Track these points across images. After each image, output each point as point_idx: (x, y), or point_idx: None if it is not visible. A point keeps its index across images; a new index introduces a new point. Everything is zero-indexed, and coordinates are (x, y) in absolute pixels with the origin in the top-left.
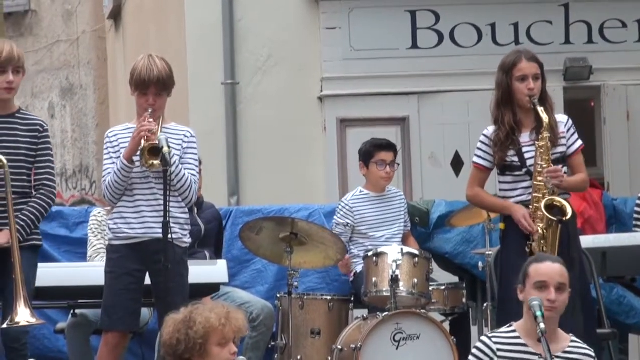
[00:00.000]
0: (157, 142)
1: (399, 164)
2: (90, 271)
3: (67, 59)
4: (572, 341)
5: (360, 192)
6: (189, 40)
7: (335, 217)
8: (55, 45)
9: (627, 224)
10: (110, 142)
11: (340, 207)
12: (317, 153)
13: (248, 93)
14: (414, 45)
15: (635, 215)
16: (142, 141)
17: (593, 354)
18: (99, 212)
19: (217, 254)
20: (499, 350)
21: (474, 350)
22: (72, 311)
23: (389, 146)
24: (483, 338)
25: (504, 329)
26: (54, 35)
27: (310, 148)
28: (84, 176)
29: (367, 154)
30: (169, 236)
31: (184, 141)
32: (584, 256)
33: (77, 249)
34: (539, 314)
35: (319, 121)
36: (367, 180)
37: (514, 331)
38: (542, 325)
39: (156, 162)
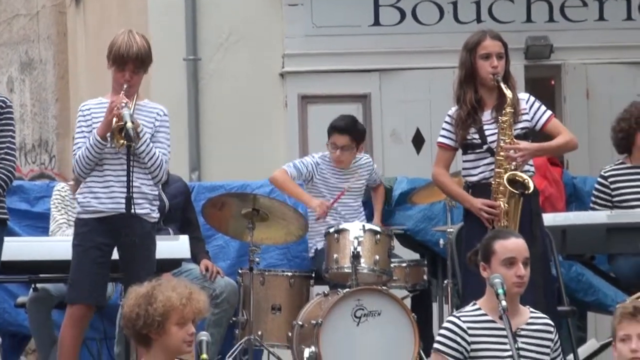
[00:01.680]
0: (123, 123)
1: (356, 148)
2: (51, 245)
3: (27, 33)
4: (531, 312)
5: (329, 158)
6: (150, 15)
7: (303, 158)
8: (14, 20)
9: (587, 202)
10: (83, 115)
11: (309, 157)
12: (278, 129)
13: (210, 69)
14: (376, 23)
15: (595, 193)
16: (114, 120)
17: (552, 323)
18: (63, 187)
19: (183, 228)
20: (469, 328)
21: (443, 332)
22: (33, 285)
23: (344, 129)
24: (451, 318)
25: (468, 307)
26: (13, 9)
27: (272, 124)
28: (43, 150)
29: (328, 132)
30: (133, 210)
31: (156, 119)
32: (546, 234)
33: (37, 223)
34: (500, 291)
35: (280, 97)
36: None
37: (479, 309)
38: (504, 303)
39: (124, 141)
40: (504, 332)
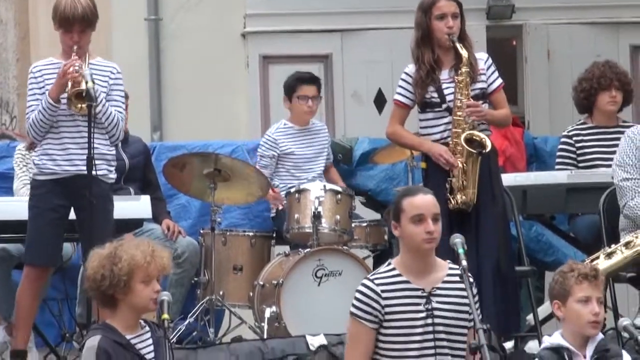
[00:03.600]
0: (82, 88)
1: (321, 97)
2: (12, 205)
3: None
4: (450, 268)
5: (285, 125)
6: None
7: (259, 149)
8: None
9: (547, 162)
10: (35, 77)
11: (264, 140)
12: (239, 89)
13: (171, 29)
14: None
15: (559, 153)
16: (69, 84)
17: (471, 280)
18: (24, 146)
19: (144, 188)
20: (383, 292)
21: (357, 296)
22: None
23: (311, 80)
24: (365, 282)
25: (383, 268)
26: None
27: (233, 84)
28: (4, 111)
29: (290, 87)
30: (94, 172)
31: (110, 77)
32: (505, 193)
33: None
34: (461, 251)
35: (241, 58)
36: (291, 113)
37: (393, 269)
38: (464, 263)
39: (84, 105)
40: (418, 293)
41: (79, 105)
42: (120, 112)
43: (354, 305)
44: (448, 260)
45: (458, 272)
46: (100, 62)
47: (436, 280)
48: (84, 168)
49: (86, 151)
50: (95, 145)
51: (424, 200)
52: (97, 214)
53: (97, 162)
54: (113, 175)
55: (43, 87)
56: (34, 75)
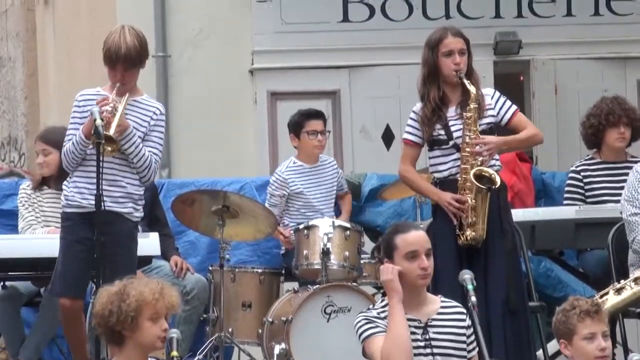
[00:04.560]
0: (109, 133)
1: (329, 131)
2: (20, 243)
3: None
4: (442, 301)
5: (294, 162)
6: (119, 12)
7: (269, 188)
8: None
9: (555, 198)
10: (79, 105)
11: (274, 178)
12: (247, 126)
13: (179, 66)
14: (345, 19)
15: (567, 188)
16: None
17: (464, 311)
18: (28, 185)
19: (152, 225)
20: (382, 318)
21: (360, 323)
22: (1, 283)
23: (317, 115)
24: (364, 313)
25: (378, 304)
26: None
27: (241, 121)
28: (12, 148)
29: (297, 124)
30: (103, 208)
31: (152, 118)
32: (515, 229)
33: (6, 221)
34: (470, 287)
35: (249, 94)
36: (300, 151)
37: (388, 304)
38: (473, 299)
39: (109, 148)
40: (415, 324)
41: (108, 148)
42: (156, 154)
43: (365, 330)
44: (440, 295)
45: (452, 304)
46: (146, 100)
47: (431, 312)
48: (111, 204)
49: (113, 188)
50: (123, 184)
51: (417, 237)
52: (119, 252)
53: (122, 200)
54: (139, 214)
55: (84, 117)
56: (78, 103)
